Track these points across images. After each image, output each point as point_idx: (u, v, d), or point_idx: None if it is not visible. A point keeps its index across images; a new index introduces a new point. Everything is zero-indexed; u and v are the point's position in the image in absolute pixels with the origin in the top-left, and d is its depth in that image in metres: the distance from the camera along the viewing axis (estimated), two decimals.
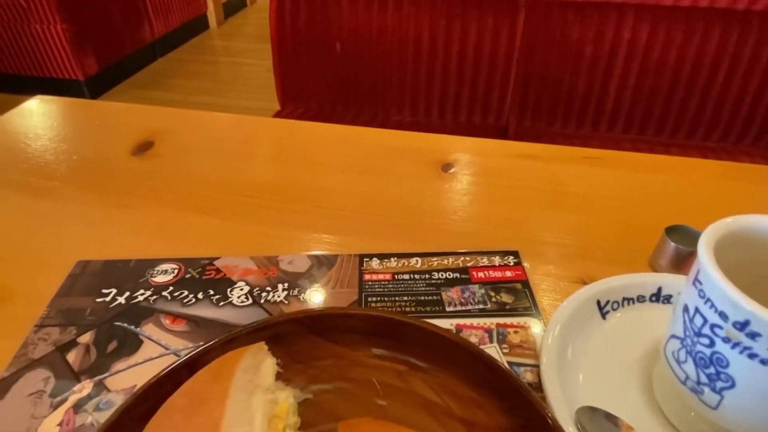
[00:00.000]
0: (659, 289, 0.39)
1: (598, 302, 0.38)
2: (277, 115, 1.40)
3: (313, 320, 0.34)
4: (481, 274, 0.44)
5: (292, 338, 0.33)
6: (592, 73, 1.28)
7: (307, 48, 1.39)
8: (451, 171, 0.57)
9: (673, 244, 0.42)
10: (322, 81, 1.45)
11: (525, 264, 0.45)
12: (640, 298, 0.39)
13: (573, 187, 0.54)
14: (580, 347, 0.36)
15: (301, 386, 0.32)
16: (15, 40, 2.31)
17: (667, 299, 0.39)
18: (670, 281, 0.39)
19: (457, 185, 0.55)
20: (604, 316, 0.38)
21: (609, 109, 1.30)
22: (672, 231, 0.43)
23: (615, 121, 1.31)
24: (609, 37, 1.24)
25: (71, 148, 0.62)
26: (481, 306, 0.41)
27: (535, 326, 0.39)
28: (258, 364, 0.27)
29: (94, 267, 0.45)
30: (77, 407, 0.35)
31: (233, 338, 0.32)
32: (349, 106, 1.47)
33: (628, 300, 0.39)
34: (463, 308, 0.41)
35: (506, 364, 0.35)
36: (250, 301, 0.42)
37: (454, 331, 0.39)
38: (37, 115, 0.69)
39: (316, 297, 0.42)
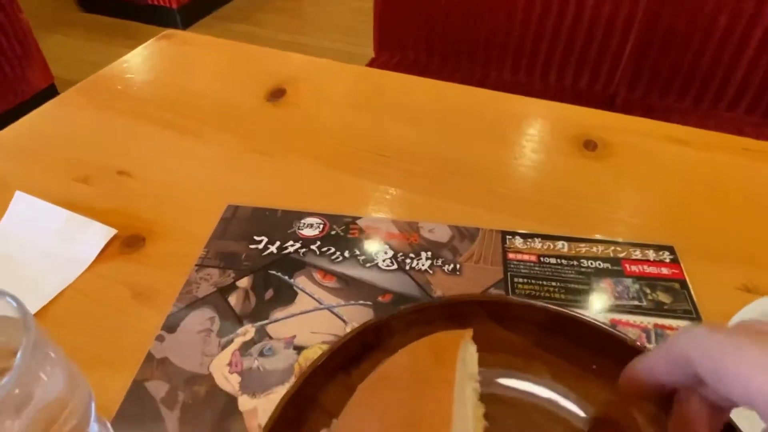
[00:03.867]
0: None
1: None
2: (372, 62, 1.37)
3: (496, 306, 0.33)
4: (634, 268, 0.42)
5: (471, 320, 0.32)
6: (722, 47, 1.17)
7: None
8: (595, 150, 0.54)
9: None
10: (421, 31, 1.40)
11: (681, 262, 0.42)
12: None
13: (733, 182, 0.50)
14: None
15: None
16: None
17: None
18: None
19: (603, 166, 0.52)
20: None
21: (734, 88, 1.19)
22: None
23: (738, 101, 1.20)
24: (749, 10, 1.11)
25: (207, 89, 0.63)
26: (635, 302, 0.40)
27: None
28: (464, 353, 0.27)
29: (244, 213, 0.47)
30: (243, 350, 0.37)
31: (417, 310, 0.33)
32: (447, 60, 1.42)
33: None
34: (617, 302, 0.40)
35: None
36: (395, 266, 0.43)
37: (609, 326, 0.38)
38: (167, 51, 0.71)
39: (461, 271, 0.42)
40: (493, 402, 0.29)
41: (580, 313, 0.33)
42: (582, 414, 0.31)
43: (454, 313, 0.32)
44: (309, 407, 0.30)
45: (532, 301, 0.33)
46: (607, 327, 0.32)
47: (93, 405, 0.28)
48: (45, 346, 0.24)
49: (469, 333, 0.27)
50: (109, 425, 0.32)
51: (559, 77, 1.31)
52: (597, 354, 0.32)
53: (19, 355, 0.22)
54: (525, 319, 0.34)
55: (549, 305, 0.33)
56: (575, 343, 0.33)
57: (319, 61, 0.67)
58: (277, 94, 0.61)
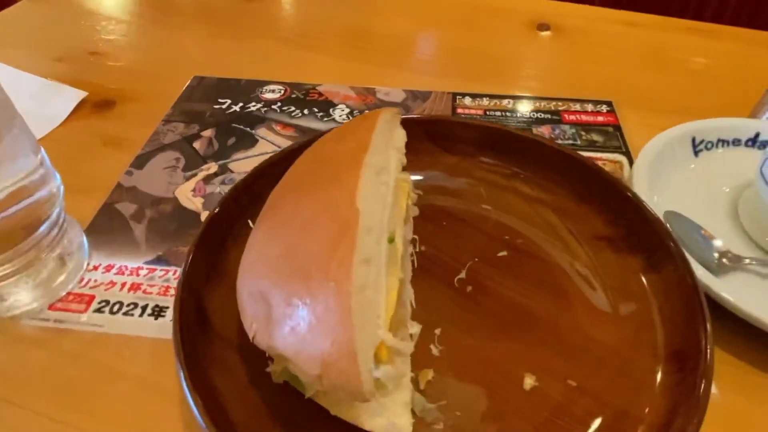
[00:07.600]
0: (757, 135, 0.39)
1: (693, 139, 0.39)
2: None
3: (434, 124, 0.36)
4: (572, 117, 0.45)
5: (409, 140, 0.35)
6: None
7: None
8: (546, 32, 0.56)
9: None
10: None
11: (617, 113, 0.45)
12: (736, 142, 0.39)
13: (675, 53, 0.53)
14: (670, 177, 0.37)
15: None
16: None
17: (764, 145, 0.39)
18: None
19: (552, 44, 0.55)
20: (696, 153, 0.39)
21: None
22: None
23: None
24: None
25: None
26: (571, 142, 0.43)
27: (625, 162, 0.41)
28: (392, 129, 0.30)
29: (210, 81, 0.49)
30: (206, 180, 0.40)
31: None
32: None
33: (724, 142, 0.39)
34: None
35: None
36: (350, 119, 0.45)
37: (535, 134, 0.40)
38: None
39: None
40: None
41: (511, 128, 0.36)
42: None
43: None
44: (254, 203, 0.33)
45: (468, 120, 0.36)
46: (532, 134, 0.35)
47: (62, 189, 0.31)
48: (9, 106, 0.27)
49: (396, 111, 0.30)
50: (80, 229, 0.35)
51: None
52: (523, 161, 0.36)
53: None
54: (463, 139, 0.37)
55: (484, 122, 0.36)
56: (508, 158, 0.36)
57: None
58: None
